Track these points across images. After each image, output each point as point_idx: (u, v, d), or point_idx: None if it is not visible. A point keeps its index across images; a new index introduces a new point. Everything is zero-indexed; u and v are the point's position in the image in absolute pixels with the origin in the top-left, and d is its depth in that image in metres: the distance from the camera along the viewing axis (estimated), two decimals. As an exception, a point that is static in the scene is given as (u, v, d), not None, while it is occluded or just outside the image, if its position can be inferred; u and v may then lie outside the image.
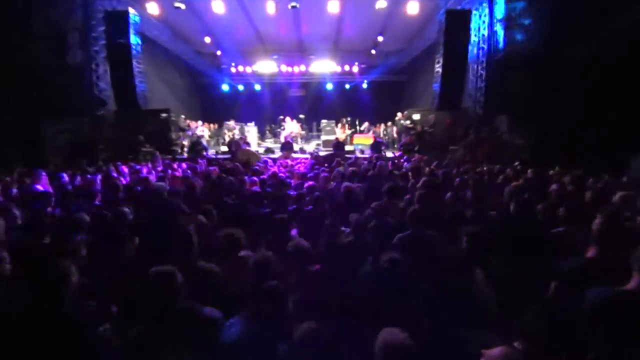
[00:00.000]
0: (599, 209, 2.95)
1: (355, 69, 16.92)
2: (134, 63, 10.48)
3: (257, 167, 6.67)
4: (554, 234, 2.81)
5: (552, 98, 8.87)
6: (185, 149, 11.31)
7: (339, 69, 16.73)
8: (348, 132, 13.80)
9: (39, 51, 8.78)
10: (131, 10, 10.40)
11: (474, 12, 10.76)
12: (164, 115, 11.12)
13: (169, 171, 6.32)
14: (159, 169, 6.97)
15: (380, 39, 13.93)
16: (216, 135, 14.43)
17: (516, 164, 7.24)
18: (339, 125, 13.91)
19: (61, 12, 9.40)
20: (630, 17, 7.01)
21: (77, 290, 1.76)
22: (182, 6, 10.28)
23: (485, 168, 6.33)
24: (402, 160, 8.33)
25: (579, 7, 8.15)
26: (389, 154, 10.85)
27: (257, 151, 11.70)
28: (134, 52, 10.45)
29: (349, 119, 14.40)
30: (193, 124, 13.59)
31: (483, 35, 10.68)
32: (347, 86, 17.82)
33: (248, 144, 11.51)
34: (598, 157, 6.95)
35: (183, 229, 2.39)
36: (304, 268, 2.27)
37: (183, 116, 13.21)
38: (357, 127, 14.67)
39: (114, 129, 10.48)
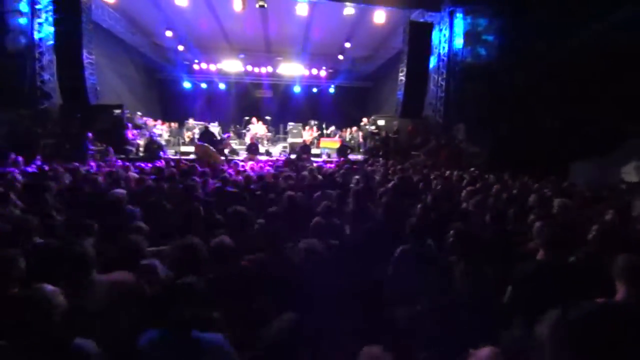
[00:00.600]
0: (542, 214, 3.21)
1: (323, 73, 17.03)
2: (84, 53, 9.64)
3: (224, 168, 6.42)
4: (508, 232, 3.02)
5: (503, 109, 9.58)
6: (141, 149, 10.61)
7: (306, 72, 16.73)
8: (315, 134, 13.79)
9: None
10: (82, -4, 9.58)
11: (436, 25, 11.30)
12: (117, 111, 10.34)
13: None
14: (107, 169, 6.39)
15: (347, 45, 14.15)
16: (177, 134, 13.74)
17: (472, 169, 7.67)
18: (307, 127, 13.87)
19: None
20: (574, 42, 7.75)
21: None
22: (141, -5, 9.68)
23: (447, 173, 6.61)
24: (367, 165, 8.48)
25: (531, 27, 8.88)
26: (355, 157, 11.02)
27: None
28: (85, 41, 9.61)
29: (316, 122, 14.40)
30: (150, 122, 12.81)
31: (443, 47, 11.26)
32: (315, 90, 17.88)
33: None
34: (542, 163, 7.61)
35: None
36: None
37: (139, 113, 12.41)
38: (324, 131, 14.74)
39: (58, 124, 9.55)
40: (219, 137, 11.48)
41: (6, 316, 1.47)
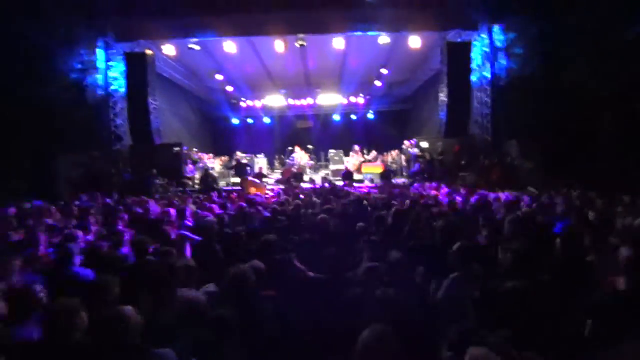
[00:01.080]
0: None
1: (361, 100, 17.40)
2: (150, 100, 10.98)
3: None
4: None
5: (553, 122, 8.96)
6: (197, 182, 11.47)
7: (345, 101, 17.23)
8: (361, 158, 13.73)
9: (61, 86, 9.29)
10: (148, 52, 11.07)
11: (474, 43, 11.17)
12: (176, 149, 11.43)
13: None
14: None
15: (384, 71, 14.43)
16: (227, 167, 14.66)
17: (530, 188, 7.15)
18: (351, 153, 13.95)
19: (85, 52, 10.06)
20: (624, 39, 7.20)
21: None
22: (197, 47, 10.91)
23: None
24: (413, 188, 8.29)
25: (570, 30, 8.45)
26: (398, 181, 10.85)
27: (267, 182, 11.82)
28: (149, 90, 10.98)
29: (358, 147, 14.46)
30: (205, 157, 13.89)
31: (485, 64, 11.02)
32: (354, 117, 18.24)
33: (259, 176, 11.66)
34: (604, 178, 6.84)
35: None
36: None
37: (195, 149, 13.54)
38: (365, 157, 14.78)
39: (128, 163, 10.76)
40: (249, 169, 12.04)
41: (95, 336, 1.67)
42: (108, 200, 6.87)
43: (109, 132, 10.66)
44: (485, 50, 10.95)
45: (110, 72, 10.79)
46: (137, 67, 10.93)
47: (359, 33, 10.68)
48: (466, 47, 11.17)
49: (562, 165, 8.36)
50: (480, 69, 11.13)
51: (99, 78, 10.64)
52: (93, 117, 10.32)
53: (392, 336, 1.37)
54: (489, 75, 10.92)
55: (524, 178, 9.06)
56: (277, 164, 15.63)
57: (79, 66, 10.26)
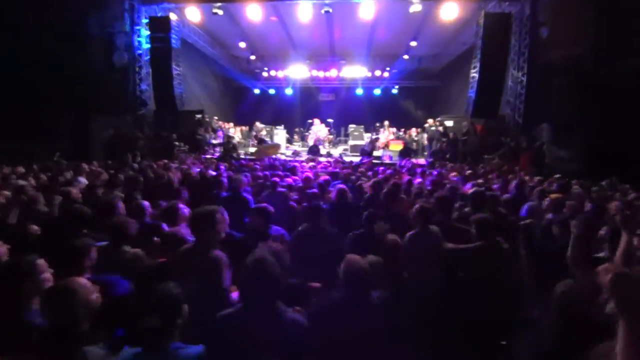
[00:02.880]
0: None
1: (386, 74, 16.73)
2: (173, 66, 11.01)
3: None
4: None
5: (602, 107, 8.23)
6: (217, 148, 11.66)
7: (369, 74, 16.63)
8: (391, 136, 13.38)
9: (89, 51, 9.46)
10: (172, 16, 10.95)
11: (514, 15, 10.29)
12: (198, 116, 11.56)
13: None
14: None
15: (413, 43, 13.69)
16: (247, 137, 14.78)
17: (557, 176, 6.77)
18: (381, 129, 13.61)
19: (111, 15, 10.08)
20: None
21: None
22: (220, 12, 10.68)
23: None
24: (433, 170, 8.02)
25: (629, 15, 7.55)
26: (419, 161, 10.56)
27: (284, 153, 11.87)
28: (173, 55, 10.99)
29: (387, 123, 13.97)
30: (225, 125, 14.02)
31: (524, 39, 10.18)
32: (378, 91, 17.63)
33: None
34: None
35: None
36: None
37: (216, 117, 13.65)
38: (394, 133, 14.30)
39: (152, 127, 11.04)
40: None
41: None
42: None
43: (135, 96, 10.87)
44: (527, 23, 10.08)
45: (135, 36, 10.82)
46: (162, 32, 10.88)
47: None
48: (506, 19, 10.29)
49: (604, 157, 7.69)
50: (519, 44, 10.31)
51: (125, 42, 10.73)
52: (119, 81, 10.53)
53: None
54: (526, 52, 10.12)
55: (555, 166, 8.56)
56: (296, 136, 15.57)
57: (107, 29, 10.35)
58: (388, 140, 12.84)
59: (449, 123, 11.39)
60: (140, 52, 11.00)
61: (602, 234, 2.44)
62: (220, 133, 12.88)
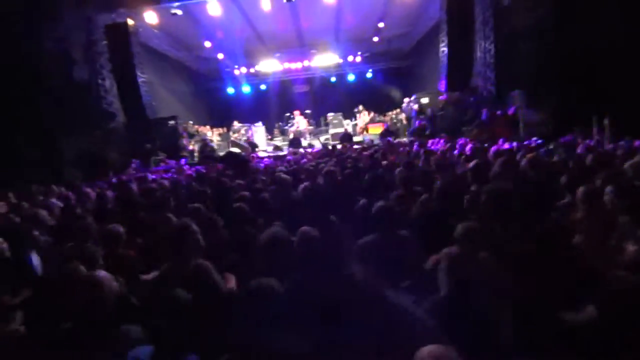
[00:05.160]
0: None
1: (359, 59, 16.63)
2: (138, 74, 10.60)
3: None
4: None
5: (567, 69, 8.41)
6: (195, 154, 11.38)
7: (341, 61, 16.49)
8: (367, 118, 13.45)
9: (47, 67, 8.99)
10: (130, 22, 10.50)
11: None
12: (171, 122, 11.22)
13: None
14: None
15: (381, 25, 13.61)
16: (225, 138, 14.48)
17: (535, 138, 6.90)
18: (357, 115, 13.67)
19: (65, 28, 9.58)
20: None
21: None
22: (179, 12, 10.30)
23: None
24: (414, 146, 8.07)
25: None
26: (401, 140, 10.59)
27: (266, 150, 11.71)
28: (136, 63, 10.56)
29: (361, 106, 14.07)
30: (202, 129, 13.69)
31: (488, 8, 10.24)
32: (352, 77, 17.52)
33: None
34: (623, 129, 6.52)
35: None
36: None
37: (191, 122, 13.31)
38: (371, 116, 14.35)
39: (125, 140, 10.65)
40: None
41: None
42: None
43: (101, 110, 10.44)
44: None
45: (94, 47, 10.33)
46: (120, 40, 10.42)
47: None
48: (468, -10, 10.33)
49: (578, 117, 7.92)
50: (483, 14, 10.37)
51: (84, 54, 10.22)
52: (83, 96, 10.06)
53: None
54: (491, 20, 10.19)
55: (531, 130, 8.73)
56: (276, 131, 15.37)
57: (63, 43, 9.83)
58: (366, 125, 12.85)
59: (425, 100, 11.44)
60: (101, 63, 10.51)
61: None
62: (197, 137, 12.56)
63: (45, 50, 9.18)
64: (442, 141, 7.35)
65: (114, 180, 6.70)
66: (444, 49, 10.70)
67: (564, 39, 8.40)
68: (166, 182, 5.35)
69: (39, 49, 9.01)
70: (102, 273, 1.68)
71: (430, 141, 8.53)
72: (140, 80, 10.57)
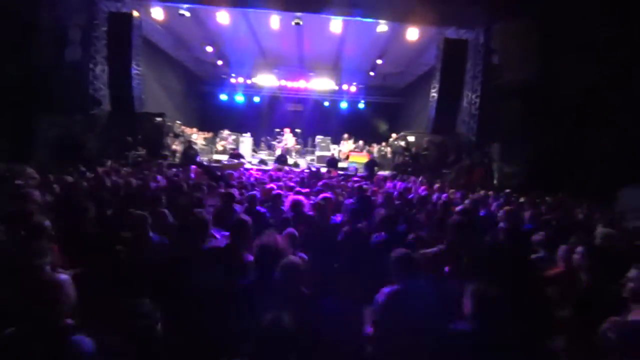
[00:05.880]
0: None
1: (353, 88, 17.22)
2: (133, 65, 10.43)
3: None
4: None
5: (544, 126, 9.13)
6: (177, 155, 11.13)
7: (336, 88, 17.00)
8: (352, 146, 13.83)
9: (40, 44, 8.68)
10: (135, 14, 10.44)
11: (470, 42, 11.16)
12: (158, 119, 10.99)
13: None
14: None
15: (379, 61, 14.27)
16: (210, 143, 14.31)
17: (507, 190, 7.33)
18: (343, 140, 14.02)
19: (66, 7, 9.38)
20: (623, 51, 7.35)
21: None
22: (187, 14, 10.37)
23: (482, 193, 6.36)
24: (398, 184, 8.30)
25: (570, 41, 8.53)
26: (383, 174, 10.89)
27: (250, 162, 11.64)
28: (134, 54, 10.41)
29: (347, 135, 14.50)
30: (188, 131, 13.47)
31: (478, 64, 11.06)
32: (345, 105, 18.07)
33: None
34: (587, 185, 7.11)
35: None
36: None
37: (178, 122, 13.09)
38: (355, 144, 14.76)
39: (106, 129, 10.28)
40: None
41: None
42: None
43: (87, 94, 10.10)
44: (481, 50, 10.98)
45: (92, 31, 10.13)
46: (122, 29, 10.30)
47: (358, 18, 10.45)
48: (462, 45, 11.14)
49: (546, 171, 8.54)
50: (474, 69, 11.18)
51: (81, 36, 9.99)
52: (71, 78, 9.74)
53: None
54: (480, 76, 10.99)
55: (504, 182, 9.29)
56: (262, 145, 15.38)
57: (61, 22, 9.58)
58: (349, 152, 13.20)
59: (411, 138, 11.94)
60: (96, 48, 10.28)
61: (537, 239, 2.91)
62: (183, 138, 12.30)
63: (41, 26, 8.92)
64: (422, 188, 7.59)
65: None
66: (434, 94, 11.34)
67: (544, 97, 9.18)
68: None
69: (34, 23, 8.74)
70: (63, 276, 1.58)
71: (412, 178, 8.83)
72: (134, 72, 10.39)
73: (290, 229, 2.83)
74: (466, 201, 5.16)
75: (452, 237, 2.68)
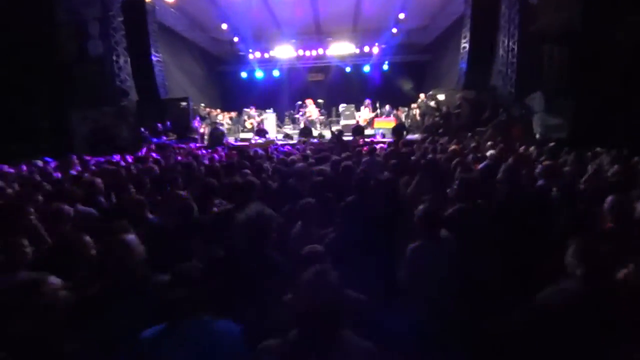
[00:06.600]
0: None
1: (376, 49, 16.24)
2: (153, 53, 10.52)
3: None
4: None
5: (593, 74, 8.09)
6: (205, 137, 11.37)
7: (357, 51, 16.14)
8: (372, 114, 13.35)
9: (61, 40, 8.95)
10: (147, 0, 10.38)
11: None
12: (183, 104, 11.18)
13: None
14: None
15: (401, 16, 13.23)
16: (236, 122, 14.43)
17: (552, 144, 6.70)
18: (362, 107, 13.51)
19: (82, 1, 9.50)
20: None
21: None
22: (198, -8, 10.13)
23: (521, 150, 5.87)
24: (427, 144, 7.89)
25: None
26: (413, 137, 10.42)
27: (276, 137, 11.63)
28: (152, 41, 10.47)
29: (370, 100, 13.92)
30: (213, 112, 13.64)
31: (515, 5, 9.85)
32: (367, 68, 17.17)
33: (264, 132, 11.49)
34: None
35: None
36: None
37: (202, 104, 13.26)
38: (379, 111, 14.21)
39: (137, 118, 10.66)
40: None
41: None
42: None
43: (114, 87, 10.43)
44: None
45: (110, 23, 10.24)
46: (137, 17, 10.31)
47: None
48: (495, -15, 9.94)
49: (596, 124, 7.66)
50: (509, 10, 9.99)
51: (100, 29, 10.15)
52: (97, 72, 10.05)
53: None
54: (517, 18, 9.82)
55: (547, 134, 8.49)
56: (287, 119, 15.25)
57: (78, 16, 9.75)
58: (370, 118, 12.70)
59: (441, 97, 11.18)
60: (116, 40, 10.44)
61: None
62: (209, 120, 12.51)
63: (58, 23, 9.14)
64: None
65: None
66: (465, 45, 10.38)
67: (589, 42, 8.08)
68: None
69: (51, 21, 8.97)
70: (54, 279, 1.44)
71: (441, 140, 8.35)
72: (154, 59, 10.51)
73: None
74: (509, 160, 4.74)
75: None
